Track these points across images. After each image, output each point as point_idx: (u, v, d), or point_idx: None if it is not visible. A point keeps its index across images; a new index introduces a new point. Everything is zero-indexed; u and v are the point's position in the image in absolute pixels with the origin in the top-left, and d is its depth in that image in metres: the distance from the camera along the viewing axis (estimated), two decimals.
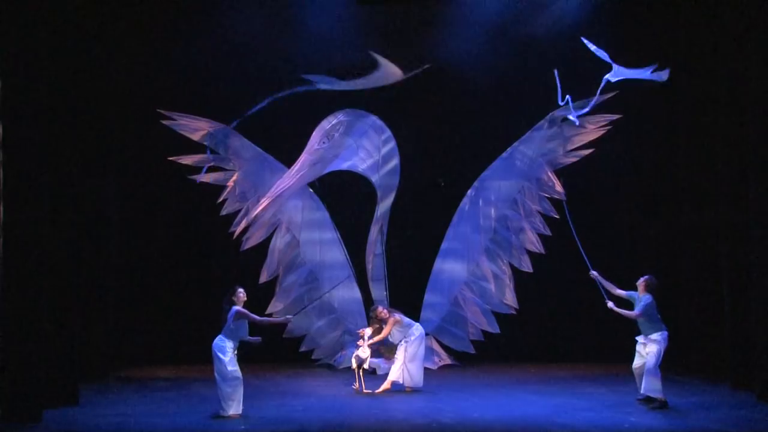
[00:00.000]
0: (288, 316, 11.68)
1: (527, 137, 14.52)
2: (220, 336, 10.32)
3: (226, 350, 10.24)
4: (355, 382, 12.11)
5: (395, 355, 12.17)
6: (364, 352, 12.15)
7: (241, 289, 10.45)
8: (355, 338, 14.41)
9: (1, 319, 9.98)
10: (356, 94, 14.38)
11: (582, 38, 12.62)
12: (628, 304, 11.12)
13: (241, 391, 10.30)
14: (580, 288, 14.37)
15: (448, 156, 14.77)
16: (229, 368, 10.20)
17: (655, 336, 10.87)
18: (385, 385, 12.03)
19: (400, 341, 12.11)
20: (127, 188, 14.27)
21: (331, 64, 14.09)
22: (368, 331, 12.29)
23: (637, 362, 11.08)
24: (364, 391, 11.96)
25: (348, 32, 14.03)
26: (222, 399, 10.23)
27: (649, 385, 10.72)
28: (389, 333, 12.14)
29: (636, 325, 11.06)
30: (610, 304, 11.13)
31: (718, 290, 12.67)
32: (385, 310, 12.30)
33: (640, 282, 11.08)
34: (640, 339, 11.06)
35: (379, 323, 12.26)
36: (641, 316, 10.87)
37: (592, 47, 12.62)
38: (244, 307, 10.39)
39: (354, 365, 12.17)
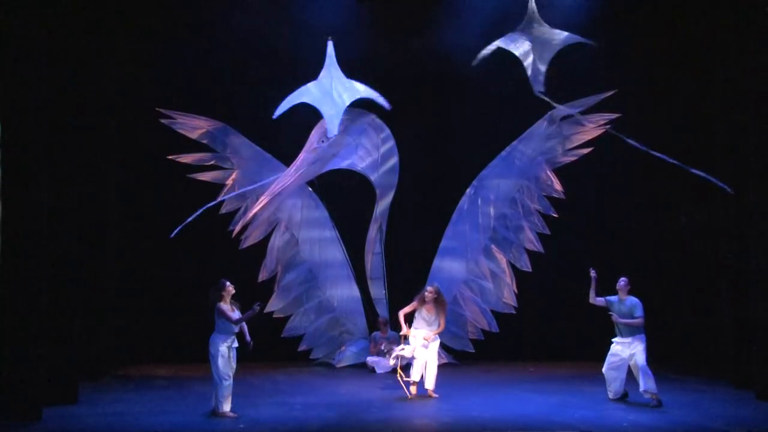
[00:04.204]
0: (255, 307, 10.17)
1: (526, 136, 14.52)
2: (213, 333, 10.30)
3: (218, 347, 10.20)
4: (410, 387, 11.56)
5: (420, 356, 11.55)
6: (410, 351, 11.59)
7: (228, 283, 10.36)
8: (353, 337, 14.46)
9: (0, 317, 9.99)
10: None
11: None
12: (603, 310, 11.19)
13: (230, 389, 10.24)
14: (578, 287, 14.46)
15: (448, 154, 14.75)
16: (221, 366, 10.15)
17: (638, 336, 10.92)
18: (431, 393, 11.54)
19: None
20: (127, 187, 14.25)
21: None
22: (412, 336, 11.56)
23: (614, 363, 11.05)
24: (410, 396, 11.48)
25: (347, 30, 14.00)
26: (215, 396, 10.23)
27: (648, 383, 10.75)
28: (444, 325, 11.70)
29: (615, 326, 11.09)
30: (614, 317, 11.05)
31: (718, 290, 12.69)
32: (435, 294, 11.65)
33: (625, 286, 11.06)
34: (622, 340, 11.02)
35: (422, 302, 11.66)
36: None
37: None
38: (233, 299, 10.36)
39: (394, 363, 11.73)
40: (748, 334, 11.74)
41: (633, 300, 11.01)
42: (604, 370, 11.21)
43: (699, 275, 13.53)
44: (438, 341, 11.81)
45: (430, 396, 11.49)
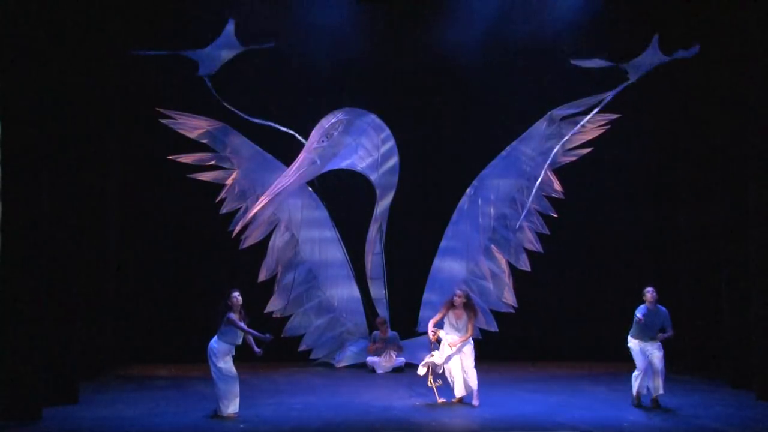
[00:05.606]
0: (267, 335, 10.27)
1: (526, 136, 14.52)
2: (214, 338, 10.29)
3: (218, 353, 10.22)
4: (436, 395, 11.15)
5: (454, 367, 11.07)
6: (440, 357, 11.01)
7: (236, 293, 10.26)
8: (353, 337, 14.45)
9: (0, 316, 9.99)
10: (355, 93, 14.41)
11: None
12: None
13: (236, 390, 10.26)
14: (578, 287, 14.47)
15: (448, 154, 14.75)
16: (223, 369, 10.19)
17: (659, 342, 10.88)
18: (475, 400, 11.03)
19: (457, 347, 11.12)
20: (127, 187, 14.24)
21: (331, 62, 14.04)
22: (442, 334, 11.07)
23: (645, 365, 10.89)
24: (439, 400, 11.10)
25: (348, 30, 13.99)
26: (218, 398, 10.24)
27: (662, 385, 10.75)
28: (472, 331, 11.14)
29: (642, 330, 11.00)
30: (661, 336, 10.93)
31: (718, 290, 12.68)
32: (465, 298, 11.08)
33: (654, 295, 10.91)
34: (646, 345, 10.84)
35: (450, 307, 11.09)
36: None
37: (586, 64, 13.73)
38: (241, 308, 10.34)
39: (423, 372, 11.14)
40: (748, 334, 11.74)
41: (664, 311, 10.86)
42: (635, 374, 10.91)
43: (699, 275, 13.51)
44: (470, 346, 11.13)
45: (474, 404, 10.97)
